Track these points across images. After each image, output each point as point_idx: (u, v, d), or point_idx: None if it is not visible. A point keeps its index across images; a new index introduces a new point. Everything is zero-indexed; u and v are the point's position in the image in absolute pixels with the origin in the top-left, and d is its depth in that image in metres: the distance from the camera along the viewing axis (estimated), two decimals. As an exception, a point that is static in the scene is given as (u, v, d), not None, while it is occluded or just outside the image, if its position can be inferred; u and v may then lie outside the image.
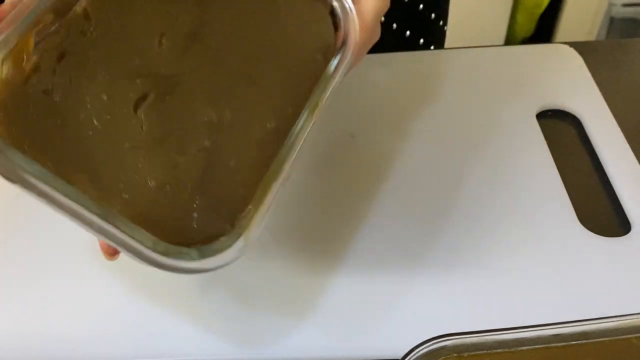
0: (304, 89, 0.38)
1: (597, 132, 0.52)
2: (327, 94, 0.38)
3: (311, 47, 0.39)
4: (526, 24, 1.65)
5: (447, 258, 0.44)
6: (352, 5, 0.38)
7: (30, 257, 0.46)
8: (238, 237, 0.33)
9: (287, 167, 0.36)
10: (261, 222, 0.34)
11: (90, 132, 0.33)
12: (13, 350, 0.41)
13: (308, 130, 0.37)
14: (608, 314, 0.35)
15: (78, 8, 0.34)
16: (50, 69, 0.32)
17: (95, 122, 0.33)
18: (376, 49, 0.52)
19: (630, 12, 1.76)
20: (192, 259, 0.32)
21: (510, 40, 1.65)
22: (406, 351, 0.34)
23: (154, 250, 0.31)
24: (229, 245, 0.32)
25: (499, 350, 0.34)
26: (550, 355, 0.34)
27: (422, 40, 0.73)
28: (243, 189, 0.35)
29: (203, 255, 0.32)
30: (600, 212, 0.48)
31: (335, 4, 0.38)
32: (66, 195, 0.30)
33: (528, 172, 0.49)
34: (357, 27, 0.38)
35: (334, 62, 0.39)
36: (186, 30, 0.37)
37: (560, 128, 0.53)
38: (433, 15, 0.72)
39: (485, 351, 0.34)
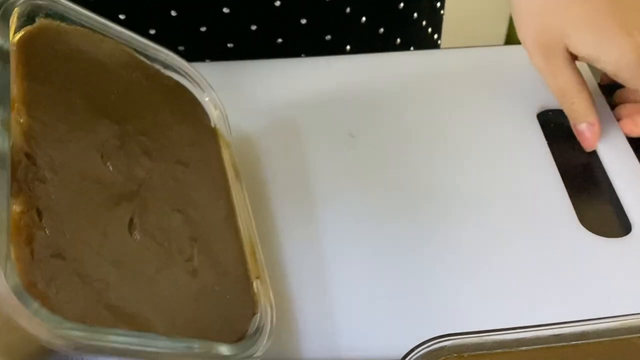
0: (218, 163, 0.43)
1: (597, 132, 0.52)
2: (235, 159, 0.44)
3: (204, 134, 0.44)
4: (526, 24, 1.65)
5: (447, 258, 0.44)
6: (219, 102, 0.46)
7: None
8: (268, 307, 0.38)
9: (254, 229, 0.41)
10: (269, 285, 0.39)
11: (114, 274, 0.31)
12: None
13: (246, 194, 0.42)
14: (608, 314, 0.35)
15: (18, 156, 0.30)
16: (42, 231, 0.29)
17: (110, 264, 0.31)
18: (406, 39, 0.65)
19: (630, 12, 1.75)
20: (253, 345, 0.35)
21: (510, 40, 1.65)
22: (406, 351, 0.34)
23: (234, 357, 0.33)
24: (267, 316, 0.37)
25: (499, 351, 0.34)
26: (550, 355, 0.34)
27: (435, 36, 0.74)
28: (242, 266, 0.39)
29: (257, 339, 0.36)
30: (601, 212, 0.48)
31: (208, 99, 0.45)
32: (145, 345, 0.29)
33: (528, 172, 0.49)
34: (220, 103, 0.46)
35: (221, 131, 0.45)
36: (116, 142, 0.36)
37: (560, 128, 0.53)
38: (441, 10, 0.73)
39: (485, 351, 0.34)
